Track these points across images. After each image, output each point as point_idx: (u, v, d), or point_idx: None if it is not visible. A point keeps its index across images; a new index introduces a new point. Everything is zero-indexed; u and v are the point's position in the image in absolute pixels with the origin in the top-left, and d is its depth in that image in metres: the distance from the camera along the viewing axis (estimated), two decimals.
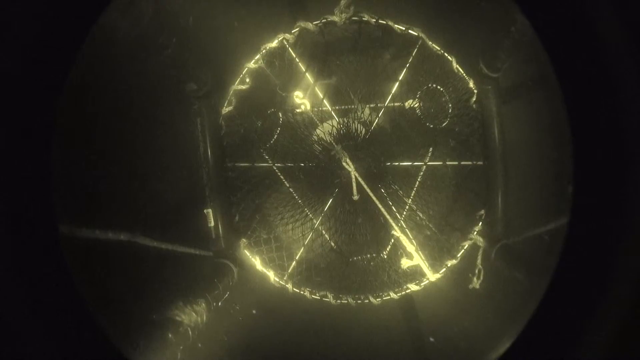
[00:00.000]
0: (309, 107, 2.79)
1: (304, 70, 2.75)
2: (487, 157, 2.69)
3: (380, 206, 2.62)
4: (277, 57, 2.71)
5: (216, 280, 2.55)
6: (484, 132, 2.70)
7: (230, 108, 2.80)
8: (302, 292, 2.72)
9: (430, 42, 2.65)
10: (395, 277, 2.76)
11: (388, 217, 2.62)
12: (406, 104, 2.78)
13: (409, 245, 2.61)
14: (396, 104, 2.79)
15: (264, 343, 2.56)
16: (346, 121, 2.76)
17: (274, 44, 2.69)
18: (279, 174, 2.84)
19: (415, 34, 2.63)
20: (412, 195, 2.81)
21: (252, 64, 2.74)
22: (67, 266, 1.30)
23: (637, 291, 1.19)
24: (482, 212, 2.74)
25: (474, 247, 2.71)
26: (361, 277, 2.81)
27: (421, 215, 2.82)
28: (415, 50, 2.70)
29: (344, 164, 2.62)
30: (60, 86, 1.33)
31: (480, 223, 2.74)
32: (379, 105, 2.79)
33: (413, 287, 2.69)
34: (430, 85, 2.77)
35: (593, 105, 1.23)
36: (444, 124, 2.76)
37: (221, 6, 2.64)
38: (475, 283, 2.61)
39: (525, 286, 2.26)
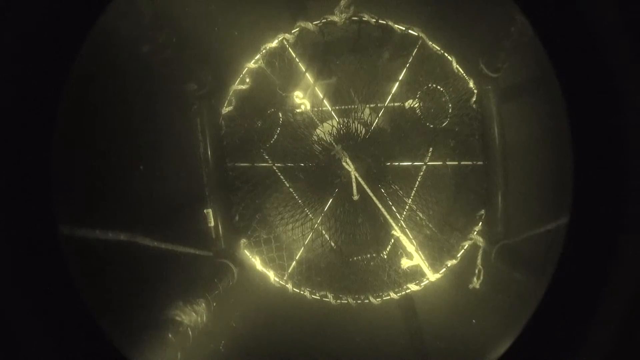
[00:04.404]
0: (309, 107, 2.78)
1: (304, 70, 2.75)
2: (487, 157, 2.69)
3: (380, 206, 2.62)
4: (277, 57, 2.71)
5: (216, 280, 2.55)
6: (484, 132, 2.70)
7: (230, 108, 2.79)
8: (302, 292, 2.71)
9: (430, 42, 2.65)
10: (395, 277, 2.76)
11: (388, 217, 2.62)
12: (406, 104, 2.78)
13: (409, 245, 2.60)
14: (396, 104, 2.80)
15: (264, 343, 2.56)
16: (346, 121, 2.75)
17: (274, 44, 2.69)
18: (279, 174, 2.83)
19: (415, 34, 2.63)
20: (412, 195, 2.81)
21: (252, 64, 2.74)
22: (67, 266, 1.30)
23: (636, 291, 1.19)
24: (482, 212, 2.74)
25: (474, 247, 2.71)
26: (361, 277, 2.81)
27: (421, 215, 2.82)
28: (415, 50, 2.70)
29: (344, 164, 2.62)
30: (61, 86, 1.33)
31: (480, 223, 2.74)
32: (379, 105, 2.79)
33: (413, 287, 2.69)
34: (430, 85, 2.77)
35: (592, 104, 1.24)
36: (444, 124, 2.76)
37: (221, 6, 2.64)
38: (475, 283, 2.61)
39: (525, 286, 2.26)
